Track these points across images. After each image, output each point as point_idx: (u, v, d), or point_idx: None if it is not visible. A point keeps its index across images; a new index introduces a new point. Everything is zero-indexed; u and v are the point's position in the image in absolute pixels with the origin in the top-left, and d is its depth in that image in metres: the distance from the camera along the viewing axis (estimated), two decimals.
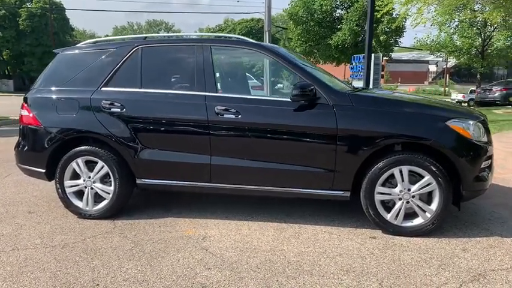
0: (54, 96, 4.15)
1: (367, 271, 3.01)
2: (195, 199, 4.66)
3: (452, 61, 40.63)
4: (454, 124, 3.56)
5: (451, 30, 27.93)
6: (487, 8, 21.79)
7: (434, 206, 3.57)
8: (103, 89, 4.07)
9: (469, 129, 3.58)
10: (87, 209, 4.12)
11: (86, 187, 4.11)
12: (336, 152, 3.62)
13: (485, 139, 3.70)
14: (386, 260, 3.20)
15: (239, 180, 3.89)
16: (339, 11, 24.06)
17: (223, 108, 3.78)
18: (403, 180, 3.59)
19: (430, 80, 60.34)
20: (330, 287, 2.80)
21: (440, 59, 40.84)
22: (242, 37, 4.19)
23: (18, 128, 4.40)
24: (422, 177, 3.56)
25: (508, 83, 23.35)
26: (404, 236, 3.63)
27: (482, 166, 3.62)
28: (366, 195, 3.66)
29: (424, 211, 3.60)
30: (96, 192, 4.11)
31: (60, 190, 4.13)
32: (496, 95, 21.86)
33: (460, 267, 3.08)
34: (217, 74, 3.94)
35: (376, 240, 3.57)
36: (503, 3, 17.70)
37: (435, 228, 3.63)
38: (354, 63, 14.58)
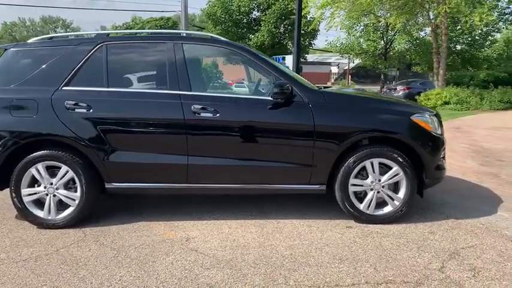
0: (6, 97, 3.76)
1: (358, 258, 3.19)
2: (162, 201, 4.52)
3: (352, 63, 43.48)
4: (417, 118, 3.89)
5: (358, 34, 29.98)
6: (389, 14, 23.78)
7: (402, 194, 3.87)
8: (64, 88, 3.78)
9: (429, 122, 3.94)
10: (50, 218, 3.80)
11: (47, 194, 3.78)
12: (314, 147, 3.76)
13: (439, 131, 4.09)
14: (370, 246, 3.40)
15: (218, 180, 3.87)
16: (255, 12, 24.53)
17: (200, 107, 3.73)
18: (374, 172, 3.84)
19: (333, 80, 63.95)
20: (331, 275, 2.92)
21: (341, 61, 43.60)
22: (215, 35, 4.15)
23: None
24: (391, 168, 3.84)
25: (409, 83, 25.59)
26: (376, 223, 3.88)
27: (441, 156, 4.00)
28: (340, 188, 3.84)
29: (393, 199, 3.88)
30: (59, 200, 3.81)
31: (16, 199, 3.76)
32: (400, 94, 23.83)
33: (435, 247, 3.38)
34: (191, 72, 3.86)
35: (353, 230, 3.77)
36: (406, 10, 19.46)
37: (402, 215, 3.92)
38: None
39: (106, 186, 3.84)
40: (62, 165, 3.74)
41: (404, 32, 27.97)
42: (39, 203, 3.84)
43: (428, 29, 27.17)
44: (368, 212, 3.88)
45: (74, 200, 3.80)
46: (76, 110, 3.72)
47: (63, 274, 2.94)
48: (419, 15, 20.64)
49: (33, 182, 3.81)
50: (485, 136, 9.32)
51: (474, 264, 3.08)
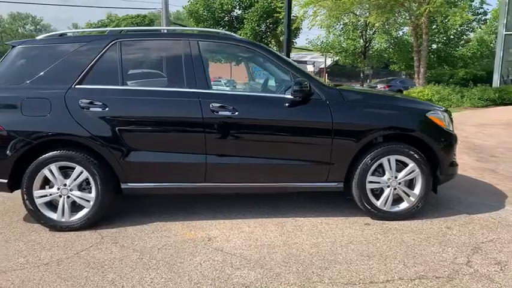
0: (17, 95, 3.63)
1: (385, 254, 3.21)
2: (174, 201, 4.44)
3: (332, 60, 43.90)
4: (432, 115, 3.95)
5: (338, 33, 30.29)
6: (368, 13, 24.11)
7: (417, 190, 3.92)
8: (78, 86, 3.67)
9: (442, 119, 4.00)
10: (63, 220, 3.69)
11: (61, 196, 3.67)
12: (332, 145, 3.77)
13: (451, 128, 4.16)
14: (393, 243, 3.44)
15: (236, 178, 3.83)
16: (237, 10, 24.47)
17: (219, 105, 3.68)
18: (390, 169, 3.87)
19: None
20: (363, 272, 2.93)
21: (317, 59, 43.94)
22: (230, 33, 4.11)
23: None
24: (406, 165, 3.88)
25: (389, 81, 26.05)
26: (393, 220, 3.92)
27: (454, 152, 4.07)
28: (358, 185, 3.86)
29: (409, 196, 3.93)
30: (73, 201, 3.71)
31: (28, 201, 3.63)
32: None
33: (456, 242, 3.44)
34: (208, 70, 3.81)
35: (372, 226, 3.80)
36: (387, 10, 19.75)
37: (417, 211, 3.97)
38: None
39: (122, 186, 3.75)
40: (76, 165, 3.63)
41: (384, 31, 28.44)
42: (51, 204, 3.72)
43: (406, 28, 27.76)
44: (385, 208, 3.92)
45: (89, 201, 3.70)
46: (91, 109, 3.62)
47: (91, 277, 2.86)
48: (399, 14, 20.94)
49: (45, 184, 3.70)
50: (474, 133, 9.56)
51: (498, 258, 3.15)
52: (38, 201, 3.65)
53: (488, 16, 33.82)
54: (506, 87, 16.88)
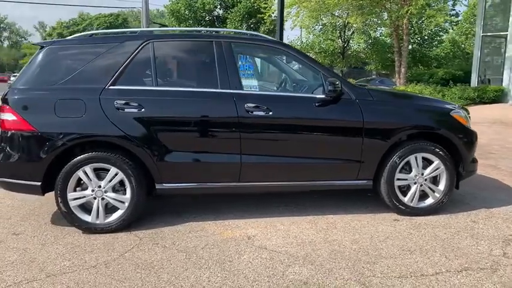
0: (50, 97, 3.58)
1: (425, 248, 3.33)
2: (201, 201, 4.44)
3: None
4: (455, 114, 4.10)
5: (317, 33, 30.65)
6: (346, 14, 24.53)
7: (442, 186, 4.06)
8: (112, 87, 3.64)
9: (464, 117, 4.16)
10: (98, 222, 3.65)
11: (95, 198, 3.64)
12: (363, 143, 3.87)
13: (470, 125, 4.33)
14: (428, 237, 3.56)
15: (269, 178, 3.89)
16: (218, 10, 24.42)
17: (254, 105, 3.73)
18: (417, 166, 4.00)
19: None
20: (411, 265, 3.04)
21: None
22: (258, 33, 4.15)
23: None
24: (431, 162, 4.02)
25: (369, 81, 26.50)
26: (418, 215, 4.05)
27: (475, 149, 4.24)
28: (387, 182, 3.97)
29: (434, 192, 4.07)
30: (107, 203, 3.68)
31: (62, 204, 3.58)
32: None
33: (486, 236, 3.59)
34: (240, 71, 3.84)
35: (401, 222, 3.91)
36: (368, 10, 20.14)
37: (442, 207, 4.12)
38: (241, 63, 15.10)
39: (157, 187, 3.75)
40: (111, 167, 3.61)
41: (363, 32, 28.97)
42: (83, 207, 3.68)
43: (383, 29, 28.35)
44: (412, 204, 4.04)
45: (123, 202, 3.68)
46: (126, 110, 3.60)
47: (146, 278, 2.86)
48: (379, 15, 21.39)
49: (78, 185, 3.66)
50: None
51: None
52: (72, 204, 3.61)
53: (460, 18, 34.91)
54: (484, 86, 17.48)
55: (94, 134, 3.58)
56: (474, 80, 18.51)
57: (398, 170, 3.97)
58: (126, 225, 3.70)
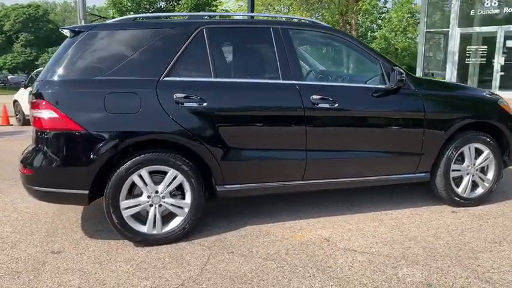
0: (98, 90, 3.06)
1: (508, 239, 3.29)
2: (237, 203, 4.10)
3: None
4: (501, 103, 4.13)
5: None
6: (287, 9, 24.78)
7: (491, 175, 4.08)
8: (167, 79, 3.21)
9: (508, 106, 4.21)
10: (155, 232, 3.21)
11: (151, 205, 3.19)
12: (424, 135, 3.77)
13: None
14: (500, 227, 3.53)
15: (333, 174, 3.66)
16: (161, 2, 23.43)
17: (319, 97, 3.47)
18: (470, 156, 3.98)
19: None
20: (499, 258, 2.96)
21: None
22: (317, 21, 3.87)
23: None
24: (482, 152, 4.02)
25: None
26: (470, 206, 4.03)
27: None
28: (444, 174, 3.91)
29: (483, 181, 4.07)
30: (165, 210, 3.25)
31: (114, 215, 3.10)
32: None
33: None
34: (301, 61, 3.56)
35: (461, 214, 3.87)
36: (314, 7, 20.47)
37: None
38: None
39: (218, 189, 3.37)
40: (170, 169, 3.18)
41: None
42: (135, 216, 3.22)
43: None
44: (465, 195, 4.02)
45: (182, 208, 3.27)
46: (186, 104, 3.18)
47: None
48: (329, 9, 21.80)
49: (130, 192, 3.19)
50: None
51: None
52: (125, 213, 3.14)
53: (389, 14, 36.66)
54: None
55: (152, 131, 3.12)
56: (419, 74, 19.45)
57: (453, 161, 3.92)
58: (186, 234, 3.30)
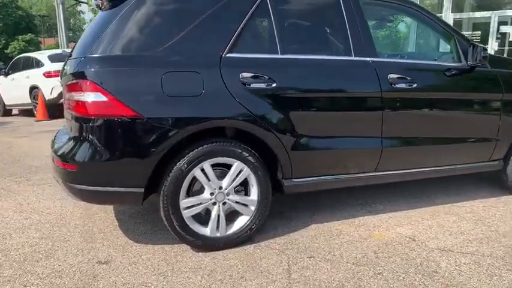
0: (154, 68, 2.54)
1: None
2: (279, 197, 3.67)
3: None
4: None
5: None
6: None
7: None
8: (230, 55, 2.71)
9: None
10: (219, 235, 2.75)
11: (214, 203, 2.73)
12: (500, 118, 3.41)
13: None
14: None
15: (407, 164, 3.26)
16: None
17: (397, 76, 3.05)
18: None
19: None
20: None
21: None
22: None
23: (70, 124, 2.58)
24: None
25: None
26: None
27: None
28: None
29: None
30: (228, 209, 2.80)
31: (174, 216, 2.62)
32: None
33: None
34: (373, 35, 3.13)
35: None
36: None
37: None
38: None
39: (285, 184, 2.92)
40: (236, 161, 2.71)
41: None
42: (197, 216, 2.76)
43: None
44: None
45: (247, 206, 2.82)
46: (252, 85, 2.70)
47: None
48: None
49: (189, 189, 2.71)
50: None
51: None
52: (186, 214, 2.66)
53: None
54: None
55: (219, 117, 2.63)
56: None
57: None
58: (251, 235, 2.85)
